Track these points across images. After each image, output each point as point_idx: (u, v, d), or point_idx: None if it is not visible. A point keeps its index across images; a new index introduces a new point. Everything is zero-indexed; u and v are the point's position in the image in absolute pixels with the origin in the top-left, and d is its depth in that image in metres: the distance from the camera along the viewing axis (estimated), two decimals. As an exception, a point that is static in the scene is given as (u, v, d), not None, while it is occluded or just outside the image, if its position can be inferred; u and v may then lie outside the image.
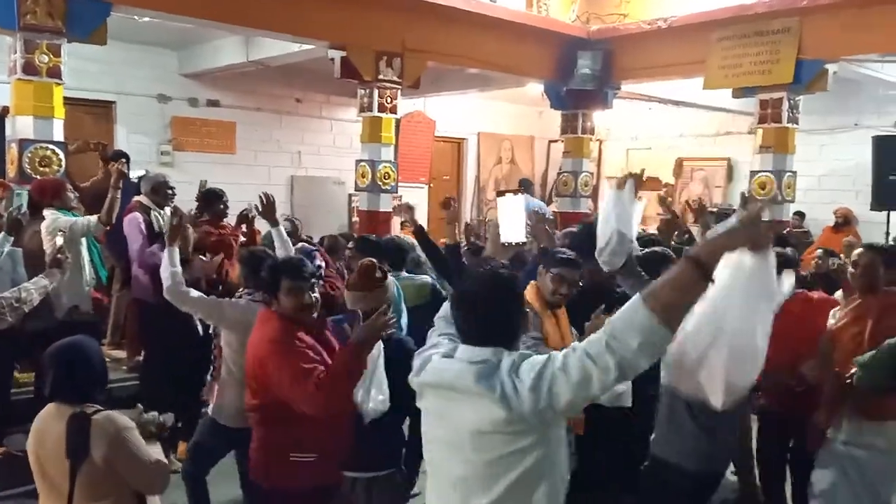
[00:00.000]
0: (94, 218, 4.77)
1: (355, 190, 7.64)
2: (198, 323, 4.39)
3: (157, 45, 8.63)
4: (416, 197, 10.42)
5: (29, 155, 5.28)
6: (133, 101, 8.75)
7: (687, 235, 5.24)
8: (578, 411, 2.30)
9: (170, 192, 5.20)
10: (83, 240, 4.89)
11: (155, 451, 2.51)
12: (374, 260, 3.15)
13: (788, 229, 6.94)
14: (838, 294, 3.60)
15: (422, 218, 10.57)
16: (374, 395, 2.77)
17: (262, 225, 4.80)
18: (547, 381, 1.75)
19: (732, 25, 7.20)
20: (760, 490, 4.10)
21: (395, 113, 7.28)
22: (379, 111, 7.12)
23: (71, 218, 4.77)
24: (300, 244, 4.98)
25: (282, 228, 4.18)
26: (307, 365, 2.57)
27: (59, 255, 3.72)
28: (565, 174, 9.01)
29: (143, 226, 5.01)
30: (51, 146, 5.35)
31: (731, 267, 1.95)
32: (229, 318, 3.47)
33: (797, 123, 7.23)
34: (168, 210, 4.61)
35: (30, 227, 4.61)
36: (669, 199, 7.53)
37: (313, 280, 2.83)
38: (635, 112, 10.86)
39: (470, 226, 8.65)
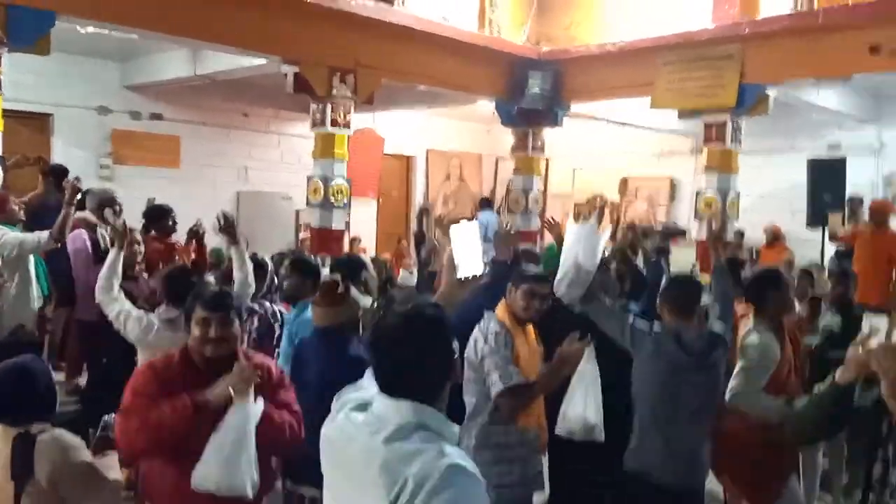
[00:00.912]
0: (44, 234, 4.56)
1: (307, 206, 7.53)
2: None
3: (98, 57, 8.39)
4: (365, 213, 10.36)
5: (-34, 169, 5.04)
6: (71, 113, 8.45)
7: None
8: None
9: (118, 208, 5.02)
10: (30, 256, 4.67)
11: (112, 466, 2.40)
12: (335, 277, 3.11)
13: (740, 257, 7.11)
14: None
15: (370, 234, 10.58)
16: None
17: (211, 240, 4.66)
18: None
19: (678, 50, 7.45)
20: None
21: (349, 128, 7.23)
22: (332, 126, 7.06)
23: (20, 234, 4.55)
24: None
25: (243, 247, 4.01)
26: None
27: None
28: (516, 191, 9.10)
29: (88, 243, 4.81)
30: (-11, 160, 5.12)
31: None
32: (129, 332, 3.46)
33: (740, 145, 7.50)
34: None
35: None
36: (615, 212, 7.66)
37: (231, 315, 2.47)
38: (581, 131, 11.08)
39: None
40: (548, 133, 9.36)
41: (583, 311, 3.14)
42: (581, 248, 3.00)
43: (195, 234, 5.14)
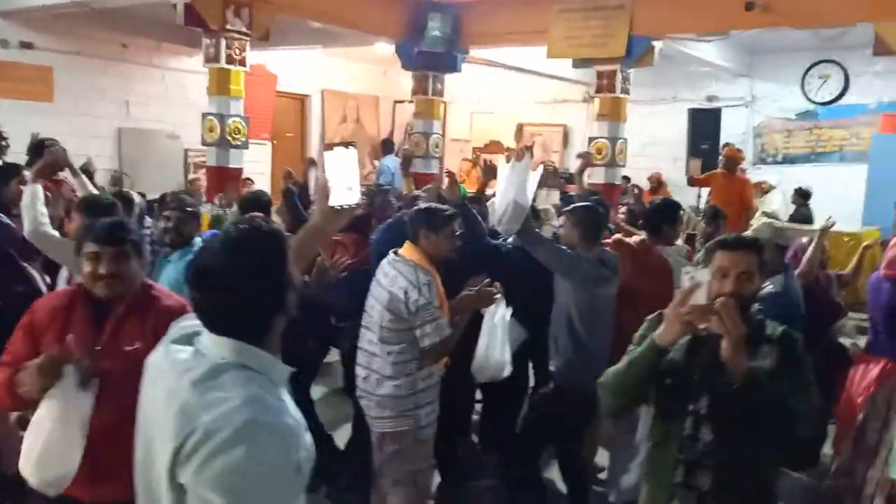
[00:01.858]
0: None
1: (203, 145, 7.22)
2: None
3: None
4: (259, 154, 10.05)
5: None
6: (-73, 37, 7.63)
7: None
8: None
9: (3, 143, 4.66)
10: None
11: None
12: (260, 215, 3.06)
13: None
14: None
15: (265, 177, 10.30)
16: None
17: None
18: None
19: (574, -2, 7.61)
20: None
21: (245, 65, 6.96)
22: (227, 63, 6.77)
23: None
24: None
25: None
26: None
27: None
28: (416, 135, 9.12)
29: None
30: None
31: None
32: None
33: (629, 94, 7.85)
34: None
35: None
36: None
37: (126, 249, 2.22)
38: (479, 76, 11.18)
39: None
40: (447, 78, 9.39)
41: (521, 241, 3.39)
42: (516, 186, 3.20)
43: (86, 171, 4.87)
